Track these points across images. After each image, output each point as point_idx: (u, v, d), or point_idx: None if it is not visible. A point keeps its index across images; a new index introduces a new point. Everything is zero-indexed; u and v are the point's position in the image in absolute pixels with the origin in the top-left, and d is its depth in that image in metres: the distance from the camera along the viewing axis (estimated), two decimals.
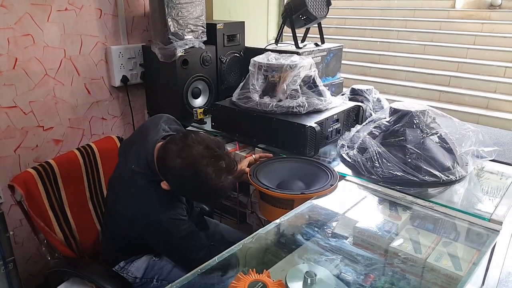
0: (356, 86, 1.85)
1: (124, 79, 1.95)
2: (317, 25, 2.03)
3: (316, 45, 2.03)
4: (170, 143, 1.12)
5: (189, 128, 1.79)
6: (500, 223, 1.07)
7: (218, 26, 1.94)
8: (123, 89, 2.00)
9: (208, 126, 1.75)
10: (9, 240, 1.39)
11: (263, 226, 1.09)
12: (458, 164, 1.31)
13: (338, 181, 1.28)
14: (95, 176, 1.50)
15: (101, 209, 1.52)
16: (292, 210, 1.14)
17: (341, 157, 1.46)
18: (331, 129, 1.53)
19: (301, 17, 1.91)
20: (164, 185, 1.14)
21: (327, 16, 1.96)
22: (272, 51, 1.80)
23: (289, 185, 1.32)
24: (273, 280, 0.79)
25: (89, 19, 1.80)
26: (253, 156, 1.45)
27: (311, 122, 1.42)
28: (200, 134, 1.14)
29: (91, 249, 1.45)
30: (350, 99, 1.78)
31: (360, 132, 1.47)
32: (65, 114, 1.82)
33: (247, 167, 1.39)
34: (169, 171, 1.11)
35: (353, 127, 1.58)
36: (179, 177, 1.10)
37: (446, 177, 1.26)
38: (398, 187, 1.25)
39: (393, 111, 1.37)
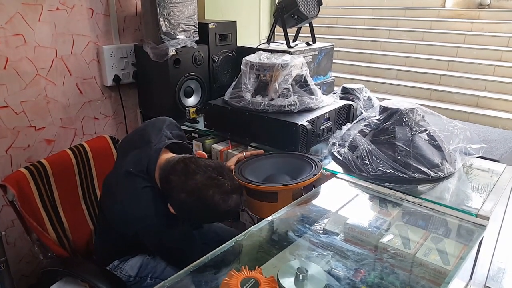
0: (347, 85, 1.87)
1: (116, 78, 1.95)
2: (308, 25, 2.05)
3: (308, 44, 2.04)
4: (172, 174, 1.11)
5: (182, 127, 1.79)
6: (487, 218, 1.09)
7: (210, 26, 1.95)
8: (115, 89, 2.00)
9: (200, 125, 1.76)
10: (1, 240, 1.38)
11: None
12: (446, 161, 1.33)
13: (329, 179, 1.29)
14: (87, 176, 1.50)
15: (94, 208, 1.52)
16: (284, 208, 1.16)
17: (332, 155, 1.47)
18: (322, 127, 1.55)
19: (293, 16, 1.92)
20: (171, 208, 1.15)
21: (318, 16, 1.98)
22: (264, 50, 1.81)
23: (275, 179, 1.32)
24: (265, 277, 0.80)
25: (80, 18, 1.80)
26: (244, 153, 1.45)
27: (303, 120, 1.43)
28: (200, 161, 1.13)
29: (84, 248, 1.45)
30: (341, 98, 1.80)
31: (350, 130, 1.48)
32: (57, 114, 1.82)
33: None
34: (175, 203, 1.13)
35: (344, 125, 1.60)
36: (188, 210, 1.13)
37: (435, 174, 1.28)
38: (388, 184, 1.26)
39: (383, 109, 1.39)
